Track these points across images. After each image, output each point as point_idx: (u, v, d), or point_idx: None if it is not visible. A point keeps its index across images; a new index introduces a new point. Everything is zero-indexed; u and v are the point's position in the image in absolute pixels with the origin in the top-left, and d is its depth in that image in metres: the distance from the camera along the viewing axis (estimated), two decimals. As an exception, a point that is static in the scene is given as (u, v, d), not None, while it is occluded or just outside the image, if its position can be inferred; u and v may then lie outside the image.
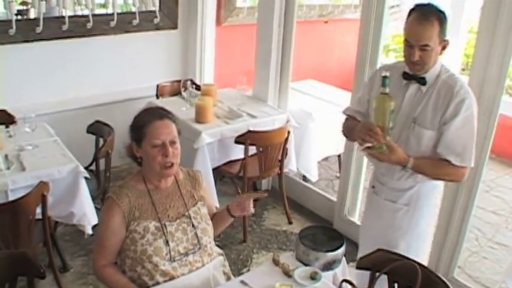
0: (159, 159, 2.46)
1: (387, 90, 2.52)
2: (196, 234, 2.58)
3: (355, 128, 2.75)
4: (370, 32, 4.07)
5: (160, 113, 2.54)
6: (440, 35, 2.55)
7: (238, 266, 4.07)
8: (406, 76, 2.72)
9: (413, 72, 2.69)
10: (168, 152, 2.46)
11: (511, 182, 5.99)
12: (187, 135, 4.14)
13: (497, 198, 5.56)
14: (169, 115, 2.56)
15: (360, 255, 2.81)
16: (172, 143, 2.49)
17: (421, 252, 3.06)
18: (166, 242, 2.49)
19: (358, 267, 2.76)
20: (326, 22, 6.58)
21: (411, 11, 2.62)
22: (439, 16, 2.55)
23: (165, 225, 2.51)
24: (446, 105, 2.63)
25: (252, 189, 5.00)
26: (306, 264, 2.64)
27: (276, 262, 2.67)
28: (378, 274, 2.67)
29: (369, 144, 2.58)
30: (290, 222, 4.70)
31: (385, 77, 2.51)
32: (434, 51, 2.58)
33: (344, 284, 2.50)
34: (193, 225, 2.58)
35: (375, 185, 3.02)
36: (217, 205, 4.18)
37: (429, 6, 2.61)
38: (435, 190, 2.94)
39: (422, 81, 2.68)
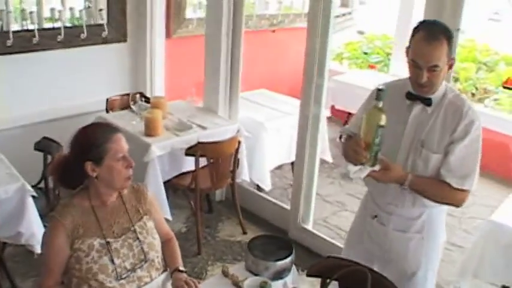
0: (124, 172, 2.46)
1: (380, 104, 2.36)
2: (142, 249, 2.54)
3: None
4: (317, 40, 4.12)
5: (113, 127, 2.55)
6: (448, 54, 2.43)
7: (193, 279, 4.03)
8: (410, 96, 2.59)
9: (420, 93, 2.55)
10: (131, 163, 2.48)
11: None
12: (137, 148, 4.08)
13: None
14: (118, 128, 2.60)
15: None
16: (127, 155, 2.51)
17: (435, 272, 2.91)
18: (112, 260, 2.45)
19: (308, 275, 2.78)
20: (273, 31, 6.62)
21: (417, 29, 2.49)
22: (447, 34, 2.43)
23: (109, 242, 2.47)
24: (455, 126, 2.52)
25: (206, 201, 4.99)
26: (255, 274, 2.64)
27: (225, 273, 2.66)
28: (328, 281, 2.70)
29: (358, 168, 2.49)
30: (245, 233, 4.68)
31: (380, 90, 2.36)
32: (442, 71, 2.46)
33: (293, 292, 2.50)
34: (139, 240, 2.54)
35: (378, 214, 2.81)
36: (170, 218, 4.17)
37: (436, 24, 2.51)
38: (443, 213, 2.84)
39: (428, 101, 2.56)
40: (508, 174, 6.08)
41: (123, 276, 2.46)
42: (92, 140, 2.45)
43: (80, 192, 2.55)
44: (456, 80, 7.60)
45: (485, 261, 3.65)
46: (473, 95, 7.49)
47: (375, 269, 2.73)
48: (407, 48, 2.52)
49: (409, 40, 2.50)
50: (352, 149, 2.47)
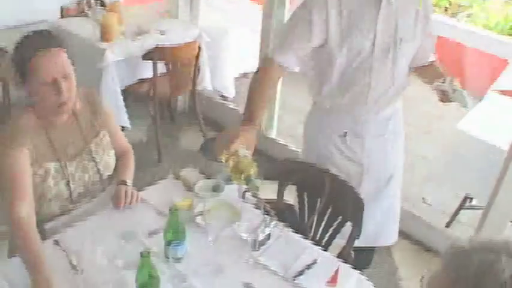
0: (52, 99, 2.11)
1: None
2: (98, 170, 2.37)
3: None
4: None
5: (46, 39, 2.12)
6: None
7: (153, 188, 3.95)
8: None
9: None
10: (61, 90, 2.09)
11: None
12: (92, 55, 3.92)
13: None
14: (56, 40, 2.13)
15: None
16: (65, 77, 2.11)
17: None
18: (67, 184, 2.26)
19: (265, 178, 2.69)
20: None
21: None
22: None
23: (66, 164, 2.25)
24: (425, 11, 2.42)
25: (167, 111, 4.85)
26: (209, 177, 2.55)
27: (177, 176, 2.56)
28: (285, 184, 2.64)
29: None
30: (207, 141, 4.58)
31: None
32: None
33: (247, 194, 2.41)
34: (94, 161, 2.35)
35: (349, 129, 2.60)
36: (128, 126, 4.04)
37: None
38: None
39: None
40: (482, 90, 6.01)
41: (75, 200, 2.33)
42: (17, 52, 2.12)
43: (26, 111, 2.22)
44: (430, -7, 7.43)
45: (448, 170, 3.63)
46: (446, 9, 7.33)
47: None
48: None
49: None
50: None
